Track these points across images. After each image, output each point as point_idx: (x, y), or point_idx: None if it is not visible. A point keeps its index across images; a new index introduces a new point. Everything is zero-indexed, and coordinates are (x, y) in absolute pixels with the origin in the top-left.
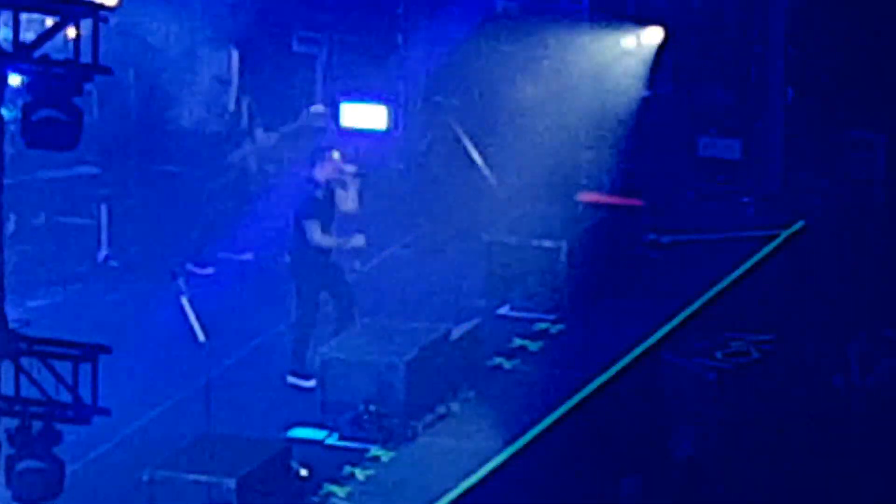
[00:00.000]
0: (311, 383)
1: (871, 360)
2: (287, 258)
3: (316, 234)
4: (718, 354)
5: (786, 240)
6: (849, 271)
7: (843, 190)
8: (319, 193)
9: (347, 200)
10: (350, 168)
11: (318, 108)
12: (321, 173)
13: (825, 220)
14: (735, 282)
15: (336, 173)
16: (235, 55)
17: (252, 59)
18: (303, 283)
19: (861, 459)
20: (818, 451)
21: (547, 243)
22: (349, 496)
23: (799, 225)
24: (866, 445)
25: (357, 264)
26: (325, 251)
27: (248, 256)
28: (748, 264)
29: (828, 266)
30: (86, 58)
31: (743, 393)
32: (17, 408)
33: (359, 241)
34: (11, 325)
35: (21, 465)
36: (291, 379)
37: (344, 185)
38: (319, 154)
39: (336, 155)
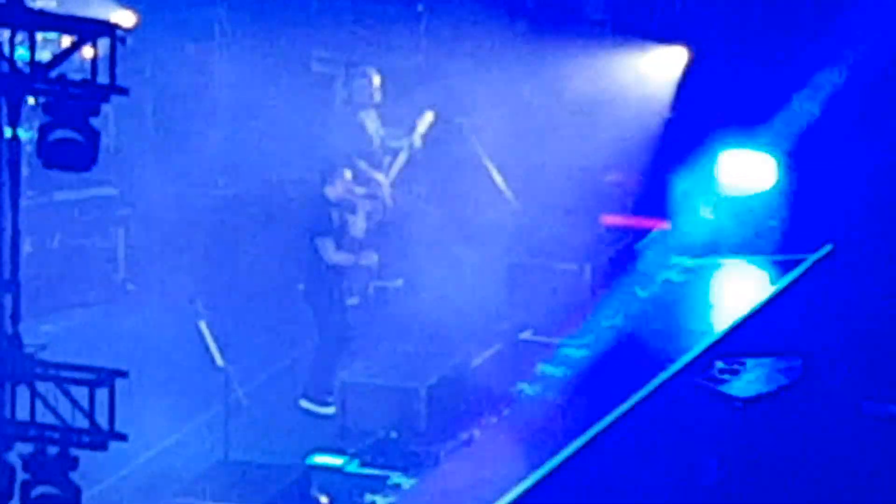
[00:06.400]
0: (328, 410)
1: None
2: (301, 286)
3: (330, 252)
4: (745, 380)
5: (814, 263)
6: (879, 296)
7: (873, 212)
8: (333, 212)
9: (356, 222)
10: (360, 190)
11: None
12: (332, 192)
13: (855, 243)
14: (762, 306)
15: (347, 194)
16: (377, 78)
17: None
18: (321, 305)
19: (892, 489)
20: (846, 478)
21: (570, 266)
22: None
23: (828, 248)
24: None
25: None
26: (340, 272)
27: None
28: (776, 288)
29: (857, 290)
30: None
31: (770, 419)
32: (32, 433)
33: (370, 258)
34: (27, 350)
35: (36, 491)
36: (305, 403)
37: (353, 208)
38: (331, 173)
39: (348, 175)
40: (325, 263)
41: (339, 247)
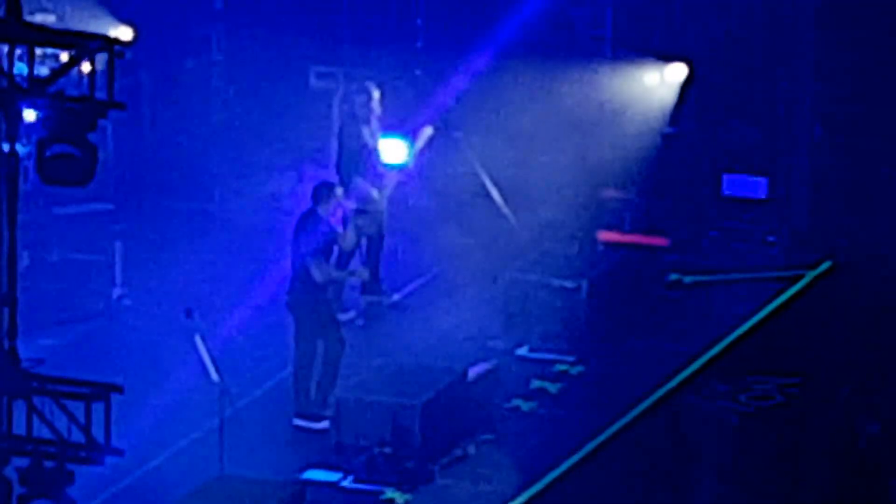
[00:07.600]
0: (322, 424)
1: None
2: (285, 297)
3: (322, 268)
4: (742, 398)
5: (813, 280)
6: (878, 312)
7: (871, 228)
8: (324, 229)
9: (346, 237)
10: (350, 204)
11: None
12: (324, 209)
13: (853, 259)
14: (760, 323)
15: (338, 209)
16: (377, 92)
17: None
18: (303, 321)
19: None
20: (839, 498)
21: (567, 283)
22: None
23: (826, 265)
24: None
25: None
26: (323, 289)
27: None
28: (774, 305)
29: (856, 307)
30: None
31: (766, 437)
32: (29, 447)
33: (362, 274)
34: (24, 364)
35: None
36: (298, 421)
37: (345, 223)
38: (324, 190)
39: (339, 191)
40: (316, 280)
41: (329, 263)
